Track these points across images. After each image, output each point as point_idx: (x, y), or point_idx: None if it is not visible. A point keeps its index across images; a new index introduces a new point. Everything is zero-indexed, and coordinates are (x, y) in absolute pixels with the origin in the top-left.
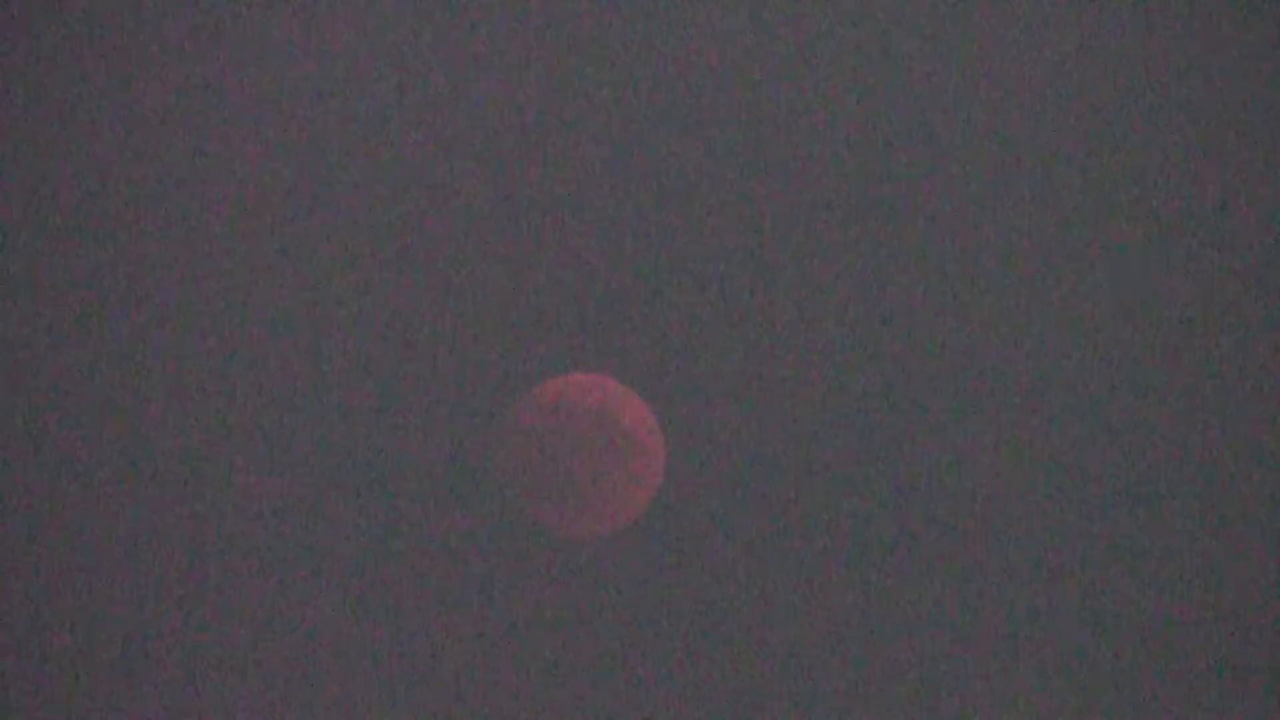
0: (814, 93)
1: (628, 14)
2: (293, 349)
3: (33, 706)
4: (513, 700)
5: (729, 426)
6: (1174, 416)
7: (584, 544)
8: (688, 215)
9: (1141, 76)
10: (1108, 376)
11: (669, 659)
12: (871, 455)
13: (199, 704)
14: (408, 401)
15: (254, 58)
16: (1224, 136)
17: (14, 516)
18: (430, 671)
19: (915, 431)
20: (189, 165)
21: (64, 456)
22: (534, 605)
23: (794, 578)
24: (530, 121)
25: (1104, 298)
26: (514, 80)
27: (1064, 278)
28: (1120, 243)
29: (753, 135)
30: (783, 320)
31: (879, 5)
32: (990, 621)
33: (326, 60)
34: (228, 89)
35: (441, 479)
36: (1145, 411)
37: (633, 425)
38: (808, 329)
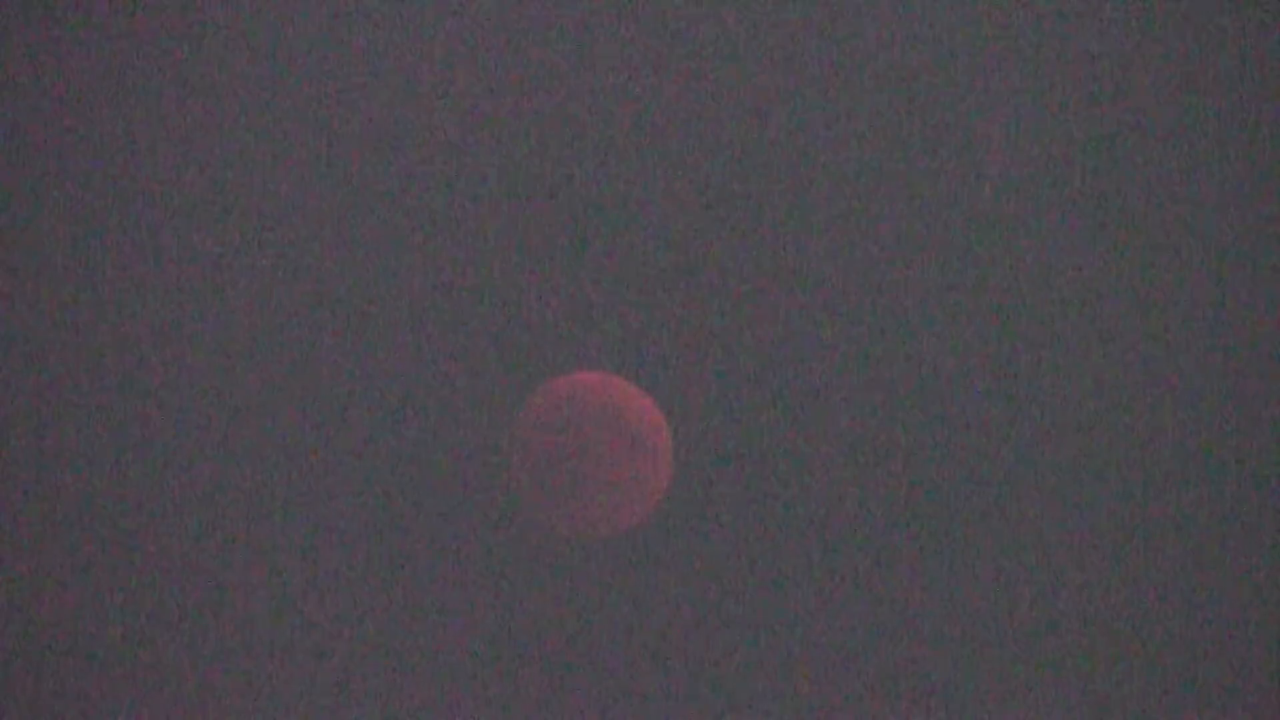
0: (823, 90)
1: (633, 13)
2: (298, 348)
3: (32, 706)
4: (518, 701)
5: (738, 426)
6: (1174, 416)
7: (591, 544)
8: (696, 213)
9: (1143, 76)
10: (1111, 376)
11: (676, 659)
12: (880, 455)
13: (201, 704)
14: (413, 400)
15: (263, 53)
16: (1226, 136)
17: (14, 516)
18: (435, 672)
19: (924, 431)
20: (198, 158)
21: (64, 456)
22: (540, 606)
23: (803, 578)
24: (537, 118)
25: (1107, 297)
26: (523, 77)
27: (1070, 280)
28: (1121, 242)
29: (760, 134)
30: (792, 319)
31: (884, 6)
32: (997, 622)
33: (335, 54)
34: (238, 84)
35: (447, 478)
36: (1146, 411)
37: (640, 424)
38: (817, 328)
